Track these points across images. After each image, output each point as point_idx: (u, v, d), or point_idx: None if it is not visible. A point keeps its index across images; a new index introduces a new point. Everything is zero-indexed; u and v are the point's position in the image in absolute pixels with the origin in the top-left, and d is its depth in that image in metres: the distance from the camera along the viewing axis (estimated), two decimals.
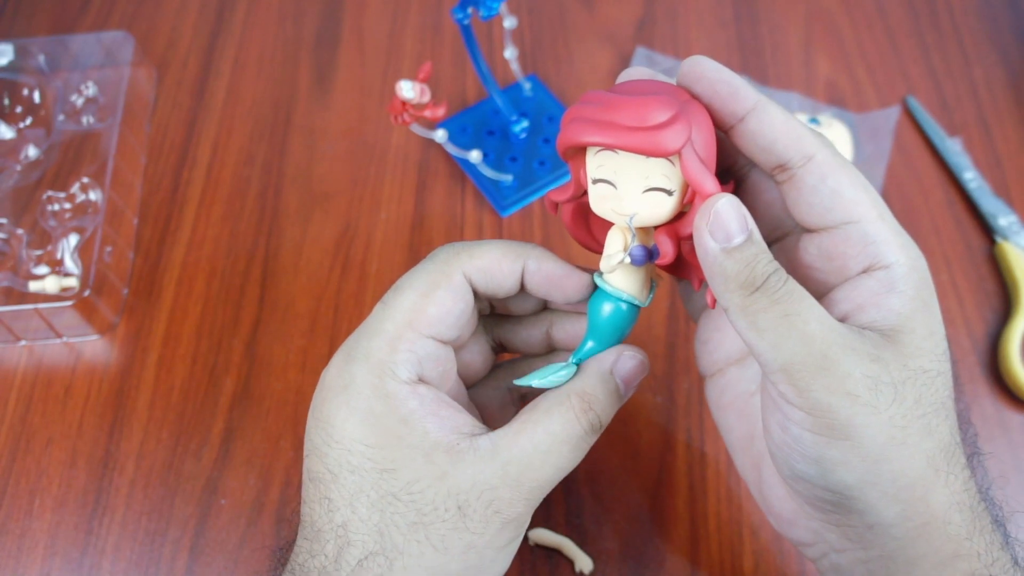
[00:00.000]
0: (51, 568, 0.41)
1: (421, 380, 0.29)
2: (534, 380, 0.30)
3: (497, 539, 0.28)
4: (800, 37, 0.60)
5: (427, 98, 0.43)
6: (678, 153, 0.27)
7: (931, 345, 0.27)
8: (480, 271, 0.30)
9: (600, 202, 0.29)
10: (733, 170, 0.31)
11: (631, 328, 0.31)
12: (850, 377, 0.25)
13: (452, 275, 0.30)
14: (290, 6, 0.62)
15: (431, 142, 0.54)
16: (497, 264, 0.31)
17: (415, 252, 0.50)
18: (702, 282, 0.31)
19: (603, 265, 0.30)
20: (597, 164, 0.28)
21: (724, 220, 0.26)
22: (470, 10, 0.44)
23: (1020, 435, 0.44)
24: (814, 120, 0.54)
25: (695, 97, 0.28)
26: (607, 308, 0.30)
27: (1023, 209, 0.51)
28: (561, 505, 0.42)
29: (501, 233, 0.51)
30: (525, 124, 0.54)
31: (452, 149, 0.49)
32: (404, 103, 0.43)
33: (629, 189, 0.28)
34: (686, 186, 0.28)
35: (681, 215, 0.29)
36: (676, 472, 0.43)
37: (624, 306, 0.30)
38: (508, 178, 0.52)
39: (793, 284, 0.26)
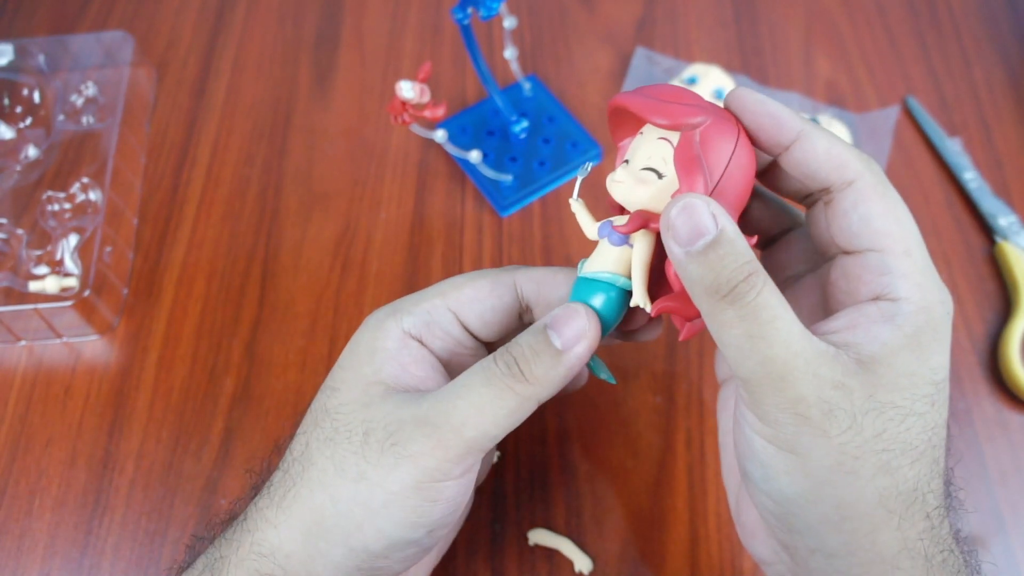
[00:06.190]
0: (51, 568, 0.41)
1: (422, 343, 0.31)
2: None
3: (389, 477, 0.27)
4: (800, 37, 0.60)
5: (427, 98, 0.43)
6: (678, 131, 0.26)
7: (908, 383, 0.26)
8: (534, 281, 0.32)
9: (610, 180, 0.29)
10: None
11: (617, 315, 0.30)
12: (803, 400, 0.25)
13: (502, 275, 0.32)
14: (290, 6, 0.62)
15: (431, 142, 0.54)
16: (553, 276, 0.32)
17: (415, 252, 0.50)
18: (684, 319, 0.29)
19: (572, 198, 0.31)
20: (631, 147, 0.29)
21: (686, 220, 0.25)
22: (470, 10, 0.44)
23: (1020, 435, 0.44)
24: (814, 120, 0.54)
25: (744, 130, 0.28)
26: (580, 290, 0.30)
27: (1023, 209, 0.51)
28: (561, 505, 0.42)
29: (501, 233, 0.51)
30: (525, 124, 0.54)
31: (452, 149, 0.49)
32: (404, 103, 0.43)
33: (634, 166, 0.28)
34: None
35: None
36: (676, 472, 0.43)
37: (611, 291, 0.29)
38: (508, 178, 0.52)
39: (767, 296, 0.25)
